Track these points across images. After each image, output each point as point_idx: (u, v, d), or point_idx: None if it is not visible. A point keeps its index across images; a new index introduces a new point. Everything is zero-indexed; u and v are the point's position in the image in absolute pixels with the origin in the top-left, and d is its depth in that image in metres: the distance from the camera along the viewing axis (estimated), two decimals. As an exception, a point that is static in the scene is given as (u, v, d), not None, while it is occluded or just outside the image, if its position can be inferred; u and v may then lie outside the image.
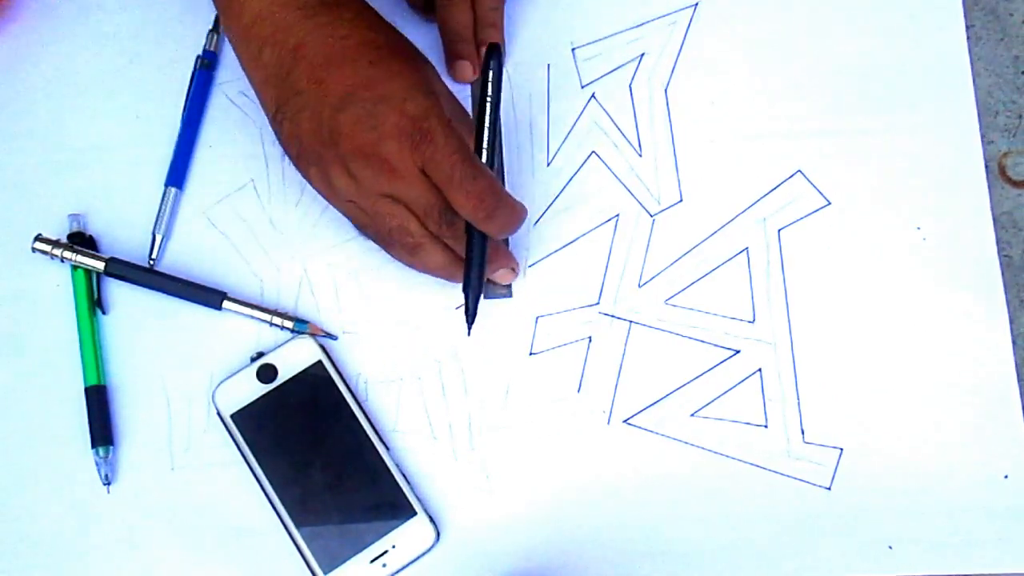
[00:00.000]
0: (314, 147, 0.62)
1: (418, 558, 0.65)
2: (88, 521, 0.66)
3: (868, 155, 0.72)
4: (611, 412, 0.68)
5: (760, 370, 0.68)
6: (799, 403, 0.67)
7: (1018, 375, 0.67)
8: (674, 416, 0.67)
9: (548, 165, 0.73)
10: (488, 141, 0.64)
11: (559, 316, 0.70)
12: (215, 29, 0.75)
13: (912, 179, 0.71)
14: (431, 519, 0.65)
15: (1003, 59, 0.74)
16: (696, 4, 0.75)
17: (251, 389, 0.67)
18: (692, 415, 0.67)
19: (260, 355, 0.68)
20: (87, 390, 0.68)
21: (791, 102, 0.73)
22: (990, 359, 0.67)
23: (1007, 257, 0.70)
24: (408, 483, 0.65)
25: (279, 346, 0.68)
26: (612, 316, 0.69)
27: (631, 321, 0.69)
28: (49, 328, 0.70)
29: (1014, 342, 0.68)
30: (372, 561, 0.64)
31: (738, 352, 0.68)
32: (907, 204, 0.71)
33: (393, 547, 0.64)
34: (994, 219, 0.70)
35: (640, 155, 0.73)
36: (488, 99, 0.64)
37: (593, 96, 0.74)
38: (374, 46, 0.62)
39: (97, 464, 0.66)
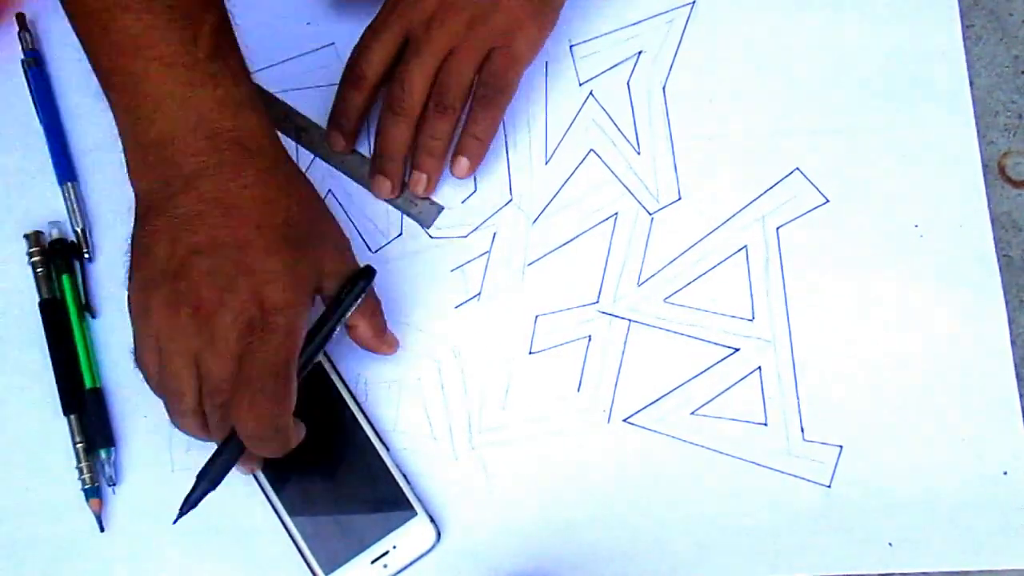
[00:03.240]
0: (154, 272, 0.58)
1: (419, 558, 0.64)
2: (89, 523, 0.66)
3: (866, 153, 0.72)
4: (611, 411, 0.68)
5: (759, 368, 0.68)
6: (799, 401, 0.67)
7: (1017, 375, 0.67)
8: (674, 414, 0.67)
9: (546, 163, 0.73)
10: (308, 357, 0.61)
11: (558, 315, 0.69)
12: (23, 28, 0.74)
13: (910, 177, 0.71)
14: (431, 519, 0.65)
15: (1003, 59, 0.73)
16: (694, 2, 0.75)
17: (250, 390, 0.67)
18: (692, 413, 0.67)
19: (259, 356, 0.67)
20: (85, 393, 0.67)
21: (789, 100, 0.73)
22: (989, 359, 0.67)
23: (1006, 257, 0.70)
24: (408, 483, 0.65)
25: (278, 347, 0.68)
26: (611, 315, 0.69)
27: (630, 319, 0.69)
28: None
29: (1013, 342, 0.68)
30: (373, 562, 0.64)
31: (737, 350, 0.68)
32: (905, 202, 0.71)
33: (394, 547, 0.64)
34: (993, 219, 0.70)
35: (638, 153, 0.72)
36: (329, 321, 0.62)
37: (591, 94, 0.74)
38: (269, 210, 0.58)
39: (101, 466, 0.66)
